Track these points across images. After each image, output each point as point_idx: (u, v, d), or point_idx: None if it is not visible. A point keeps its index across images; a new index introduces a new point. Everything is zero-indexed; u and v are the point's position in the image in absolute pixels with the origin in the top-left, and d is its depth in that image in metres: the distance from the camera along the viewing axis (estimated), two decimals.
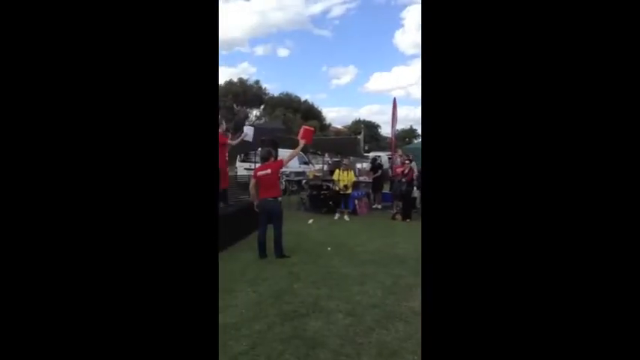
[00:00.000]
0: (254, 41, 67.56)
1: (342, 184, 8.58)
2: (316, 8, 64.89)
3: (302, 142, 5.15)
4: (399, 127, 39.89)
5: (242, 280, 4.04)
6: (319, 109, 37.95)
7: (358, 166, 13.48)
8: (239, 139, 7.14)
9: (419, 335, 2.87)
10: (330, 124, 39.60)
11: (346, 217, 8.43)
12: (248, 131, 7.52)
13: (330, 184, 9.19)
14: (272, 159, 5.24)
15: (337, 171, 8.90)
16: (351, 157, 10.23)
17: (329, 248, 5.51)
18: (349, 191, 8.69)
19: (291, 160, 5.66)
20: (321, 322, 3.05)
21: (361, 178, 11.16)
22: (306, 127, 5.36)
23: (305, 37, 64.10)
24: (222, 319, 3.06)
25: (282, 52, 63.60)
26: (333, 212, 8.66)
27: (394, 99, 11.04)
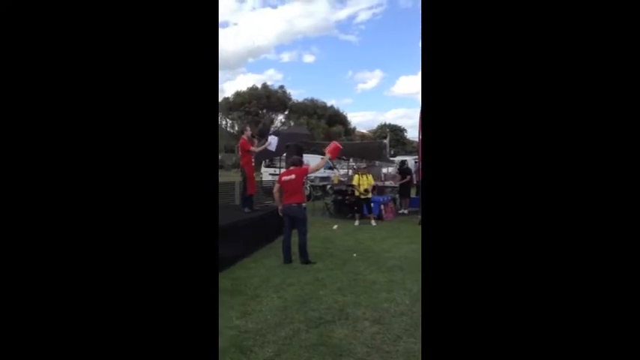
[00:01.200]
0: (280, 48, 68.54)
1: (362, 188, 8.50)
2: (342, 14, 65.27)
3: (327, 156, 5.16)
4: None
5: (267, 286, 4.03)
6: (344, 113, 37.89)
7: (384, 170, 13.35)
8: (262, 147, 7.18)
9: None
10: (355, 129, 39.53)
11: (373, 223, 8.33)
12: (272, 140, 7.55)
13: (353, 189, 9.13)
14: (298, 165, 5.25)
15: (356, 175, 8.83)
16: (377, 162, 10.10)
17: (355, 254, 5.45)
18: (370, 195, 8.58)
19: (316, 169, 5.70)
20: (348, 330, 2.99)
21: (387, 183, 11.03)
22: (336, 144, 5.36)
23: (331, 43, 64.38)
24: (247, 324, 3.06)
25: (308, 58, 64.12)
26: (355, 218, 8.57)
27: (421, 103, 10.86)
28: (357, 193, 8.58)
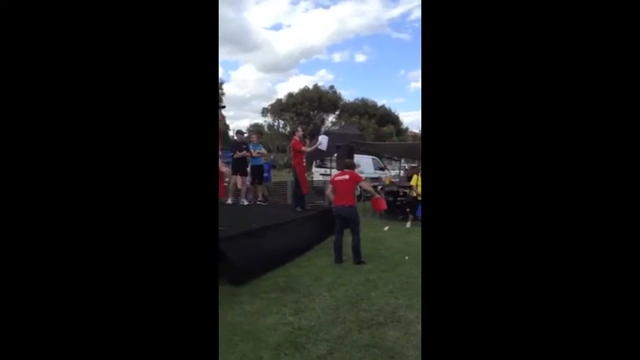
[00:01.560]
0: (332, 48, 68.74)
1: (419, 190, 8.33)
2: (395, 12, 64.28)
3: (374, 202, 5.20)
4: None
5: (319, 285, 4.09)
6: (396, 113, 37.29)
7: None
8: (313, 147, 7.27)
9: None
10: (407, 129, 38.81)
11: None
12: (322, 140, 7.64)
13: (407, 190, 8.96)
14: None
15: (415, 176, 8.65)
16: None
17: (407, 257, 5.38)
18: None
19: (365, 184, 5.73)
20: (400, 333, 2.97)
21: None
22: (382, 203, 5.43)
23: (383, 42, 63.67)
24: (300, 321, 3.13)
25: (360, 58, 63.82)
26: (407, 220, 8.43)
27: None
28: (414, 194, 8.44)
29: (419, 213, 8.29)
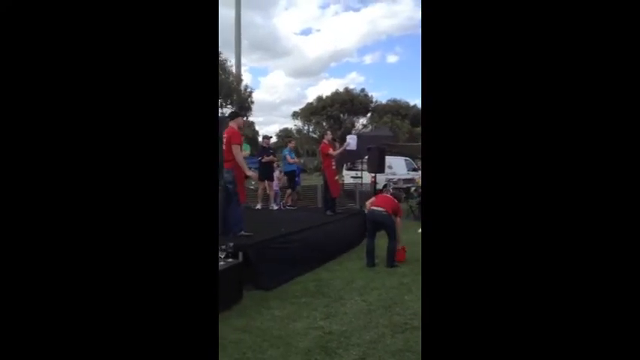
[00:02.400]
0: (363, 50, 68.47)
1: None
2: None
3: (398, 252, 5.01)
4: None
5: (351, 289, 4.00)
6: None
7: None
8: (341, 149, 7.21)
9: None
10: None
11: None
12: (351, 140, 7.56)
13: None
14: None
15: None
16: None
17: None
18: None
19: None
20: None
21: None
22: (402, 253, 5.14)
23: (415, 42, 62.84)
24: (331, 325, 3.06)
25: (391, 59, 63.15)
26: None
27: None
28: None
29: None
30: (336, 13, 66.09)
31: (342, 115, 34.32)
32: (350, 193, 9.47)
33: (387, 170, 10.51)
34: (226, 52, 29.47)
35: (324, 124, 32.81)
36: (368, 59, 63.34)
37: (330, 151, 6.65)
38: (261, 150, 7.69)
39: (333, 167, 6.87)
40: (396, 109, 34.18)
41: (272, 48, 59.89)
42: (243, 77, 26.58)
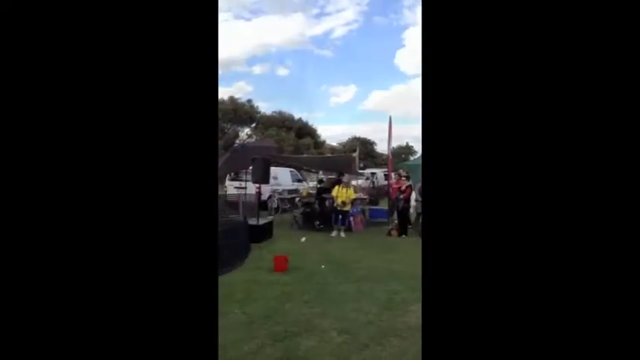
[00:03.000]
0: (252, 60, 67.87)
1: (339, 201, 8.51)
2: (318, 29, 65.29)
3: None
4: (396, 144, 39.99)
5: (230, 302, 3.88)
6: (314, 126, 37.81)
7: (353, 182, 13.40)
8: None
9: (414, 350, 2.77)
10: (324, 142, 39.68)
11: (342, 234, 8.31)
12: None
13: (328, 199, 9.12)
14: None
15: (337, 187, 8.86)
16: (346, 175, 10.10)
17: (323, 266, 5.38)
18: (346, 208, 8.60)
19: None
20: (314, 342, 2.91)
21: (356, 195, 11.07)
22: (284, 262, 5.18)
23: (305, 57, 64.28)
24: None
25: (281, 71, 63.85)
26: (330, 230, 8.53)
27: (389, 117, 10.90)
28: (335, 204, 8.61)
29: (339, 222, 8.45)
30: (226, 20, 64.99)
31: (225, 125, 33.55)
32: (233, 203, 9.25)
33: (272, 181, 10.55)
34: None
35: None
36: (257, 70, 63.24)
37: None
38: None
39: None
40: (281, 121, 34.71)
41: None
42: None
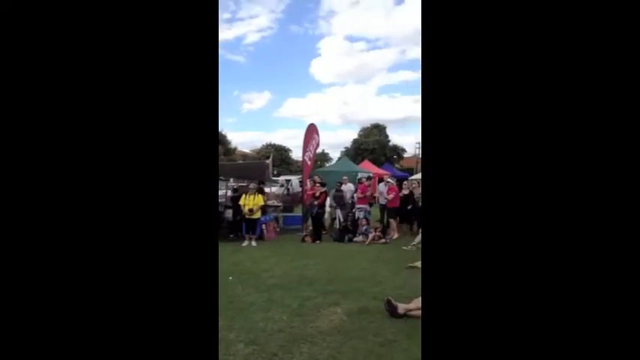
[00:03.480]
0: None
1: (246, 209, 8.24)
2: (229, 34, 63.97)
3: None
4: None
5: None
6: (223, 132, 36.58)
7: (267, 190, 13.19)
8: None
9: (326, 354, 2.73)
10: (235, 148, 38.82)
11: (253, 243, 8.07)
12: None
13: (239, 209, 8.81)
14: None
15: (244, 195, 8.56)
16: (252, 182, 9.83)
17: (230, 277, 5.13)
18: (255, 216, 8.34)
19: None
20: (219, 355, 2.70)
21: (269, 202, 10.91)
22: None
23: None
24: None
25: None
26: (240, 240, 8.24)
27: (309, 124, 10.84)
28: (243, 213, 8.29)
29: (250, 231, 8.18)
30: None
31: None
32: None
33: None
34: None
35: None
36: None
37: None
38: None
39: None
40: None
41: None
42: None
